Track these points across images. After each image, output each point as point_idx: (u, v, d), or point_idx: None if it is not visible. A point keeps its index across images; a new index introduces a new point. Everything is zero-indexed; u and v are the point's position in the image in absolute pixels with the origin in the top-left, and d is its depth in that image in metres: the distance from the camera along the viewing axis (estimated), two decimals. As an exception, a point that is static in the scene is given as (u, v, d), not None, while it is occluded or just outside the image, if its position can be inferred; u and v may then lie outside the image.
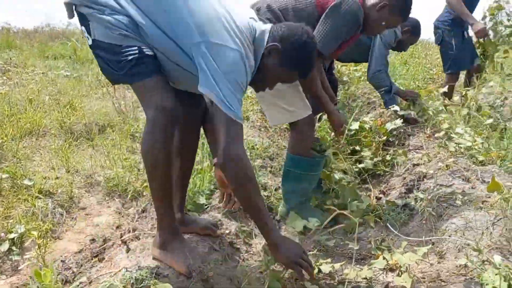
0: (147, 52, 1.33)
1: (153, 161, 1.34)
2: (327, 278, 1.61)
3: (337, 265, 1.62)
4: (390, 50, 3.14)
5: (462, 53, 3.49)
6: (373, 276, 1.61)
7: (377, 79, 3.06)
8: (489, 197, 1.83)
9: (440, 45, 3.62)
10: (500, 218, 1.64)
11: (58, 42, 6.91)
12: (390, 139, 2.68)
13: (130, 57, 1.30)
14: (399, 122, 2.67)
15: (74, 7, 1.36)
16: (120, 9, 1.31)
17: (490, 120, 2.49)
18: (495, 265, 1.35)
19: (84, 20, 1.34)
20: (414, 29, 3.06)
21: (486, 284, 1.30)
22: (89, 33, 1.34)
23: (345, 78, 4.88)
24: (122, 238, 1.67)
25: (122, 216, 2.13)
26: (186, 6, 1.33)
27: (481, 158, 2.25)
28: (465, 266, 1.46)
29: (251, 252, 1.69)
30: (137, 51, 1.31)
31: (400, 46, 3.13)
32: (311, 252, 1.71)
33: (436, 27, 3.60)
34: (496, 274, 1.30)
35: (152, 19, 1.33)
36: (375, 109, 3.62)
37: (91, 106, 3.71)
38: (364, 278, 1.59)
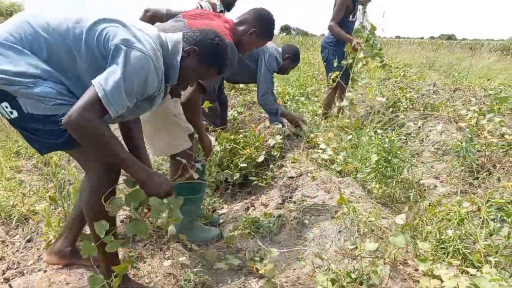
0: None
1: (97, 217, 1.45)
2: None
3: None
4: (275, 74, 3.54)
5: (345, 70, 4.03)
6: (246, 284, 1.90)
7: (265, 102, 3.44)
8: (341, 208, 2.26)
9: (326, 62, 4.20)
10: (345, 227, 2.05)
11: None
12: (272, 153, 3.03)
13: None
14: (279, 137, 3.03)
15: None
16: (44, 75, 1.33)
17: (350, 136, 2.99)
18: (331, 269, 1.72)
19: (5, 96, 1.32)
20: (294, 56, 3.52)
21: (320, 285, 1.65)
22: (15, 107, 1.33)
23: (241, 86, 5.19)
24: (5, 276, 1.69)
25: (6, 246, 2.08)
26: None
27: (340, 170, 2.71)
28: (313, 270, 1.82)
29: (139, 275, 1.84)
30: None
31: (282, 71, 3.53)
32: (195, 269, 1.94)
33: (323, 47, 4.18)
34: (325, 276, 1.66)
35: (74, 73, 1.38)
36: (264, 120, 3.97)
37: (-34, 120, 3.39)
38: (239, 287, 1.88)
